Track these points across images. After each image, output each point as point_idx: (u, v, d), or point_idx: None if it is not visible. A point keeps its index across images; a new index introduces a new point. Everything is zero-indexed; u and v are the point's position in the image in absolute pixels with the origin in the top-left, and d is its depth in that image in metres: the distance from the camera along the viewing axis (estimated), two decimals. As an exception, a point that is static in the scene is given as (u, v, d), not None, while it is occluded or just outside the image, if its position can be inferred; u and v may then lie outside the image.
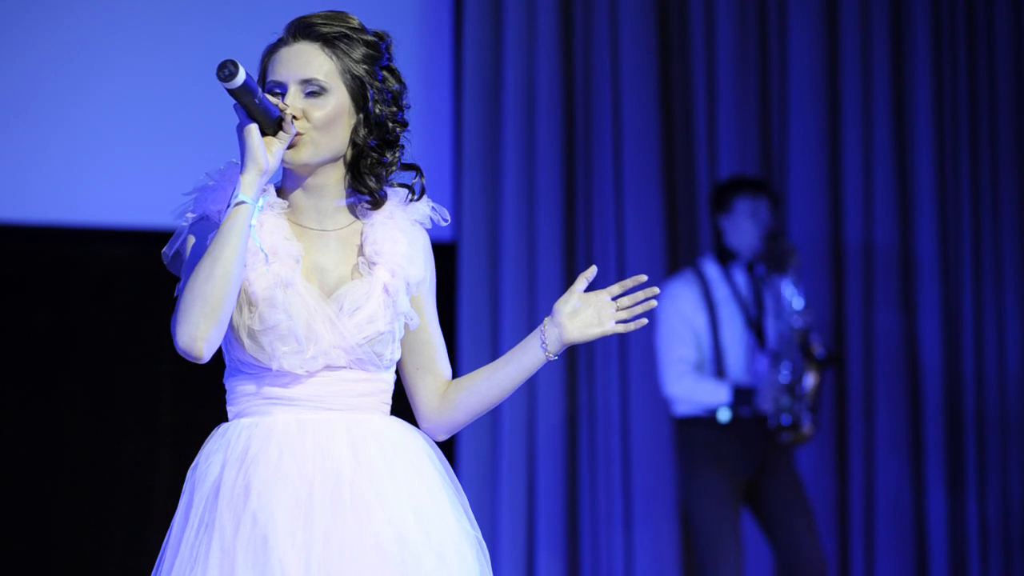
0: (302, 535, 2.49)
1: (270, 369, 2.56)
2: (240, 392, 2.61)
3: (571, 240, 6.21)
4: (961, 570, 6.36)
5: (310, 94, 2.58)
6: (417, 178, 2.70)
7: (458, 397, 2.71)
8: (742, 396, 5.48)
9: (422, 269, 2.68)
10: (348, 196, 2.66)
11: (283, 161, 2.58)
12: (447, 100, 6.17)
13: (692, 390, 5.52)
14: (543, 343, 2.67)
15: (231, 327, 2.57)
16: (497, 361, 2.72)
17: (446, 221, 2.73)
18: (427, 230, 2.73)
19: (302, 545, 2.48)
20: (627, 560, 6.13)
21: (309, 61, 2.58)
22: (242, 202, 2.51)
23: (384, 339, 2.62)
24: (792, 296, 5.61)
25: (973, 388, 6.40)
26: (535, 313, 6.12)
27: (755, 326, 5.59)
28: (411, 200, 2.69)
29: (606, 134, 6.24)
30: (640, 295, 2.70)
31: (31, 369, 5.79)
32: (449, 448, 6.07)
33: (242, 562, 2.47)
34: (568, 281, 6.20)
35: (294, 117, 2.57)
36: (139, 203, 5.75)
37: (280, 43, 2.62)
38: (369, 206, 2.66)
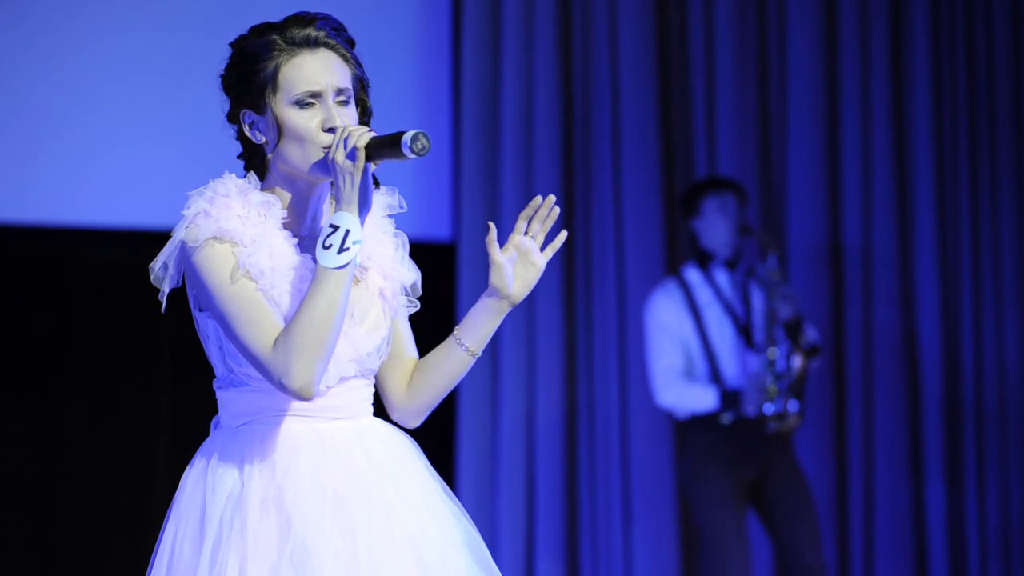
0: (341, 541, 2.51)
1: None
2: (244, 403, 2.60)
3: (570, 240, 6.21)
4: (961, 570, 6.37)
5: (342, 102, 2.59)
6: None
7: (423, 379, 2.73)
8: (729, 399, 5.49)
9: (411, 271, 2.73)
10: (324, 199, 2.67)
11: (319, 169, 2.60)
12: (446, 101, 6.17)
13: (680, 397, 5.53)
14: (461, 345, 2.71)
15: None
16: (449, 340, 2.75)
17: (403, 208, 2.74)
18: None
19: (344, 551, 2.50)
20: (626, 560, 6.14)
21: (339, 70, 2.60)
22: (356, 242, 2.51)
23: (384, 344, 2.65)
24: (774, 282, 5.60)
25: (972, 387, 6.41)
26: (534, 313, 6.12)
27: (742, 325, 5.60)
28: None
29: (605, 135, 6.24)
30: (543, 211, 2.75)
31: (30, 369, 5.79)
32: (449, 448, 6.07)
33: (286, 570, 2.48)
34: (567, 280, 6.20)
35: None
36: (139, 203, 5.75)
37: (296, 47, 2.60)
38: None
